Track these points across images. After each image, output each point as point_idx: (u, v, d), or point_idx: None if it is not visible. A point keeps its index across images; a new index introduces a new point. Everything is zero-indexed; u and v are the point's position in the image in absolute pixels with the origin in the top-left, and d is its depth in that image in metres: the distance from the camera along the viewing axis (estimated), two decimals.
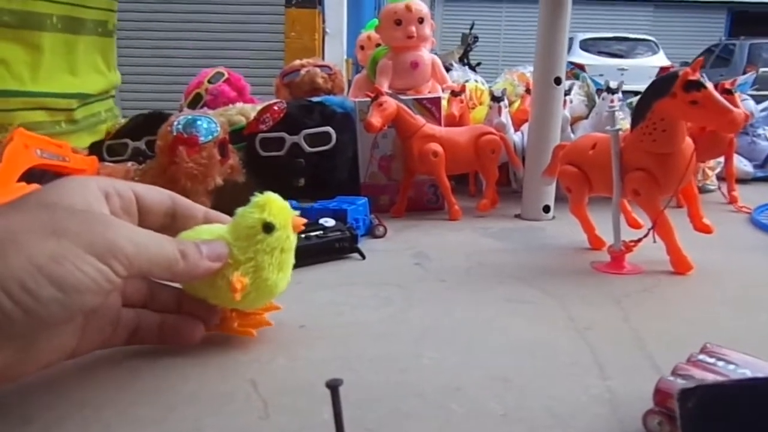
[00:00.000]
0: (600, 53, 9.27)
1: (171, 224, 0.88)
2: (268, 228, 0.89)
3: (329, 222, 1.46)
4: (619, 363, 0.95)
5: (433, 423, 0.80)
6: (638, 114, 1.29)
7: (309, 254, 1.34)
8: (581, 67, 7.04)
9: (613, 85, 2.01)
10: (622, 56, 9.26)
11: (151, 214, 0.85)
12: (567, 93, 2.01)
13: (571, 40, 9.62)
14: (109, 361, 0.96)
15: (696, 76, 1.18)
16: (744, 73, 6.26)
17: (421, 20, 2.04)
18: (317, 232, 1.39)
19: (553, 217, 1.86)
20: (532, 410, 0.82)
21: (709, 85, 1.18)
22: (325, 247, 1.39)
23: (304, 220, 0.96)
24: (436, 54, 2.29)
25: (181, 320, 0.94)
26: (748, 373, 0.74)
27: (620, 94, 2.01)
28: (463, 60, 5.15)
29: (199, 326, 0.95)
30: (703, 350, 0.82)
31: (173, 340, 0.94)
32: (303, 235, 1.32)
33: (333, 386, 0.48)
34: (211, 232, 0.93)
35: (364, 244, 1.53)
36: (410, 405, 0.83)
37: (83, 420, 0.78)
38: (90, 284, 0.64)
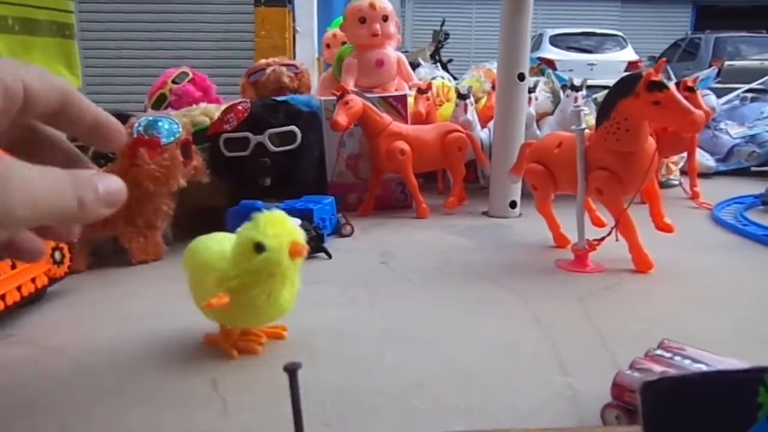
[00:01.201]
0: (569, 48, 9.32)
1: (56, 119, 0.85)
2: (258, 248, 0.85)
3: (296, 222, 1.44)
4: (580, 360, 0.96)
5: (395, 418, 0.80)
6: (603, 113, 1.30)
7: None
8: (551, 63, 7.06)
9: (576, 82, 2.02)
10: (591, 51, 9.33)
11: (39, 106, 0.82)
12: (532, 90, 2.02)
13: (540, 36, 9.66)
14: (67, 358, 0.95)
15: (658, 77, 1.20)
16: (710, 66, 6.35)
17: (385, 18, 2.04)
18: None
19: (520, 214, 1.88)
20: (494, 406, 0.82)
21: (672, 86, 1.20)
22: None
23: (306, 247, 0.89)
24: (407, 51, 2.29)
25: (27, 238, 0.93)
26: (704, 368, 0.75)
27: (584, 91, 2.03)
28: (435, 57, 5.14)
29: (42, 245, 0.94)
30: (660, 346, 0.83)
31: (18, 257, 0.93)
32: None
33: (291, 370, 0.47)
34: (220, 240, 0.93)
35: (331, 243, 1.53)
36: (373, 401, 0.84)
37: (35, 423, 0.77)
38: None
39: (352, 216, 1.74)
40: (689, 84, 1.81)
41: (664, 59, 1.38)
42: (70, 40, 1.95)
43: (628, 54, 9.06)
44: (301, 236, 0.88)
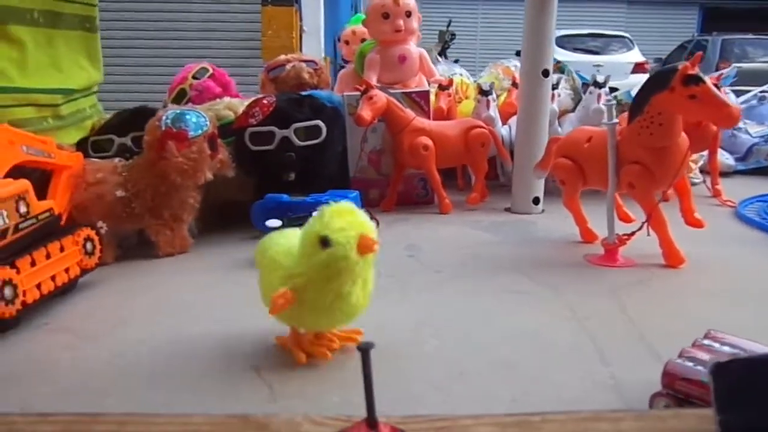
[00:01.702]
0: (576, 50, 9.30)
1: None
2: (324, 243, 0.79)
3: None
4: (620, 351, 0.96)
5: (441, 406, 0.80)
6: (636, 108, 1.30)
7: None
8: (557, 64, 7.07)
9: (600, 79, 2.02)
10: (597, 53, 9.31)
11: None
12: (554, 87, 2.02)
13: None
14: (105, 346, 0.95)
15: (695, 71, 1.20)
16: (717, 68, 6.34)
17: (408, 14, 2.04)
18: None
19: (543, 210, 1.87)
20: (539, 395, 0.83)
21: (708, 80, 1.20)
22: None
23: (376, 241, 0.80)
24: None
25: None
26: None
27: (607, 89, 2.02)
28: (441, 57, 5.15)
29: None
30: (707, 336, 0.83)
31: None
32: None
33: (364, 349, 0.49)
34: (289, 236, 0.89)
35: None
36: (417, 389, 0.84)
37: (83, 406, 0.77)
38: None
39: (375, 211, 1.74)
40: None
41: (701, 52, 1.38)
42: (92, 33, 1.96)
43: (635, 55, 9.03)
44: (371, 229, 0.79)
